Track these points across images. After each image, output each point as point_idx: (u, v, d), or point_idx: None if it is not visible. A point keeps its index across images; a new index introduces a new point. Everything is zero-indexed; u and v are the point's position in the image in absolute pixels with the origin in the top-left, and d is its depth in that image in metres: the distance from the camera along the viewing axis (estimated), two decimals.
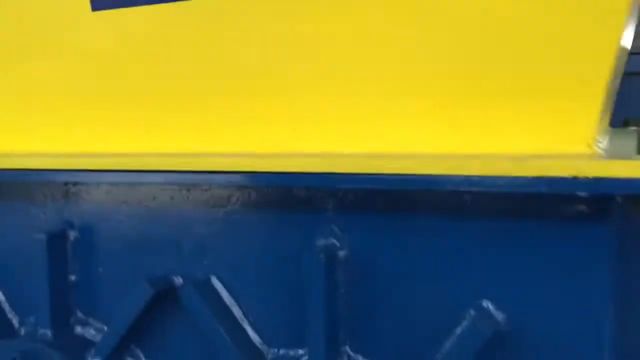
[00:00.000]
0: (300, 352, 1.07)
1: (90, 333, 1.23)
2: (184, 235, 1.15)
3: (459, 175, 0.86)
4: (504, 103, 0.92)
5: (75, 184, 1.23)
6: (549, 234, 0.89)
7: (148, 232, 1.18)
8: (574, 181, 0.78)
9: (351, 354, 1.05)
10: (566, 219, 0.88)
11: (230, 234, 1.12)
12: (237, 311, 1.13)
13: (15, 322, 1.30)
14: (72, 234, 1.25)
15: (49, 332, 1.21)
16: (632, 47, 1.88)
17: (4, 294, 1.33)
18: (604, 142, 0.91)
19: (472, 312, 0.95)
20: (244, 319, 1.12)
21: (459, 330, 0.94)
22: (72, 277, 1.25)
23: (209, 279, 1.14)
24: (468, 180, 0.85)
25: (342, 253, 1.04)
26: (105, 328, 1.20)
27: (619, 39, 0.87)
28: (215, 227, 1.13)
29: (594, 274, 0.88)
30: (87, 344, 1.21)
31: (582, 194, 0.78)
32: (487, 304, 0.95)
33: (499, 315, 0.94)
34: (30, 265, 1.25)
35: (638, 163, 0.78)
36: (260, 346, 1.11)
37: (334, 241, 1.05)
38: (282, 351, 1.10)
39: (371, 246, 1.02)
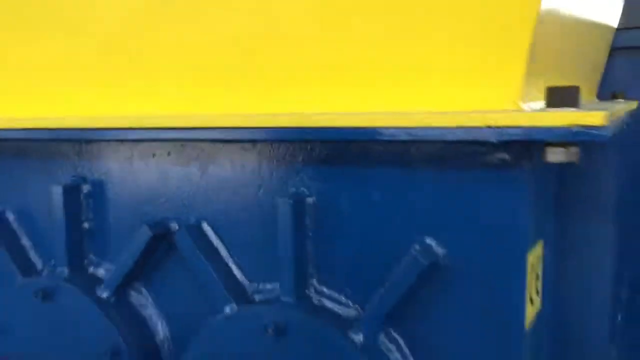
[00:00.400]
0: (276, 285, 1.24)
1: (100, 272, 1.43)
2: (179, 186, 1.33)
3: (399, 127, 1.01)
4: (443, 72, 1.07)
5: (88, 141, 1.42)
6: (479, 178, 1.04)
7: (148, 185, 1.36)
8: (487, 130, 0.93)
9: (317, 286, 1.21)
10: (491, 166, 1.03)
11: (217, 185, 1.29)
12: (223, 252, 1.31)
13: (38, 264, 1.51)
14: (85, 188, 1.44)
15: (65, 271, 1.41)
16: (619, 24, 1.99)
17: (30, 240, 1.53)
18: (530, 101, 1.05)
19: (416, 246, 1.10)
20: (229, 258, 1.30)
21: (404, 262, 1.10)
22: (86, 225, 1.45)
23: (200, 224, 1.32)
24: (406, 131, 1.00)
25: (310, 199, 1.21)
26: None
27: (539, 3, 0.99)
28: (204, 179, 1.30)
29: (515, 213, 1.03)
30: (98, 281, 1.40)
31: (493, 140, 0.92)
32: (430, 241, 1.10)
33: (439, 250, 1.10)
34: (50, 215, 1.44)
35: (544, 114, 0.92)
36: (242, 281, 1.29)
37: (304, 189, 1.21)
38: (260, 285, 1.27)
39: (334, 193, 1.18)
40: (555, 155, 0.95)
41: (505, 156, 1.01)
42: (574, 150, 0.95)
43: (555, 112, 0.92)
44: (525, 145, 0.99)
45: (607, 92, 2.37)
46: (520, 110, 1.01)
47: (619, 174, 1.19)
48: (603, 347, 1.19)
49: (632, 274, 1.34)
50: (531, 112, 0.94)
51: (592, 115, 0.88)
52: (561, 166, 1.22)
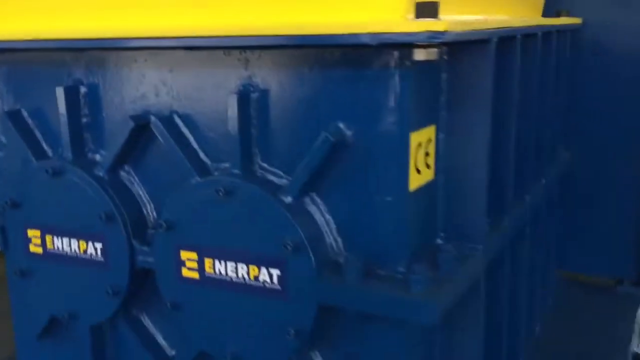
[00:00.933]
0: (229, 164, 1.60)
1: (97, 157, 1.79)
2: (154, 85, 1.67)
3: (314, 35, 1.33)
4: None
5: (84, 50, 1.75)
6: (372, 76, 1.37)
7: (132, 86, 1.71)
8: (367, 35, 1.24)
9: (260, 162, 1.57)
10: (382, 64, 1.35)
11: (185, 85, 1.63)
12: (190, 138, 1.66)
13: (49, 151, 1.88)
14: (83, 89, 1.79)
15: (70, 156, 1.78)
16: None
17: (41, 133, 1.90)
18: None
19: (329, 128, 1.44)
20: (195, 143, 1.65)
21: (319, 140, 1.44)
22: (84, 120, 1.80)
23: (172, 117, 1.67)
24: (318, 38, 1.32)
25: (253, 95, 1.54)
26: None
27: None
28: (175, 81, 1.64)
29: (399, 101, 1.35)
30: (95, 163, 1.78)
31: (373, 43, 1.24)
32: (340, 124, 1.44)
33: (347, 132, 1.43)
34: (56, 112, 1.80)
35: (409, 23, 1.23)
36: (205, 160, 1.65)
37: (249, 87, 1.55)
38: (218, 164, 1.63)
39: (272, 90, 1.52)
40: (420, 54, 1.27)
41: (389, 57, 1.33)
42: (432, 50, 1.26)
43: (417, 22, 1.23)
44: (400, 47, 1.30)
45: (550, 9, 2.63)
46: (396, 21, 1.32)
47: (496, 74, 1.49)
48: (480, 219, 1.54)
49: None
50: (401, 22, 1.25)
51: (438, 24, 1.19)
52: (450, 66, 1.53)
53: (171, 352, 1.83)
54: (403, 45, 1.27)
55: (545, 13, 2.58)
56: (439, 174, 1.55)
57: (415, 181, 1.45)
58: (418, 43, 1.23)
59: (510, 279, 1.93)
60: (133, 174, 1.77)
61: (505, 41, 1.66)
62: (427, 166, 1.51)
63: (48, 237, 1.83)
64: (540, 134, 2.18)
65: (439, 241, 1.60)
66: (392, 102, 1.36)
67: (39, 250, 1.85)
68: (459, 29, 1.26)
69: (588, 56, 2.66)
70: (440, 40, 1.19)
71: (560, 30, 2.43)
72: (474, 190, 1.54)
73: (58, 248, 1.81)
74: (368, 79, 1.38)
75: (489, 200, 1.58)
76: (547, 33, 2.12)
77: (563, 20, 2.54)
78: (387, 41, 1.23)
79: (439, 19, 1.25)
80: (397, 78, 1.33)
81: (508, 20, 1.85)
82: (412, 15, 1.31)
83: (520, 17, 2.22)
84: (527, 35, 1.87)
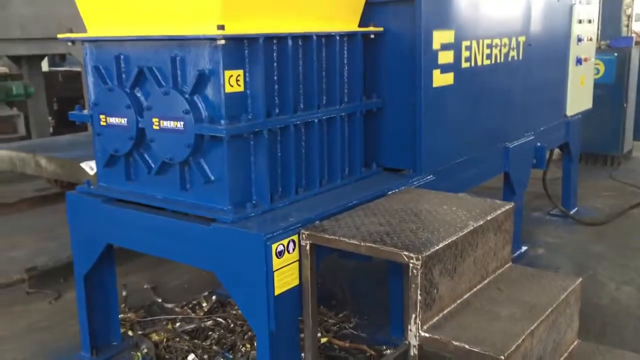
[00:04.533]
0: None
1: None
2: None
3: None
4: None
5: None
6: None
7: None
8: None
9: None
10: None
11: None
12: None
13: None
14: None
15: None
16: None
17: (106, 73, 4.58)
18: None
19: None
20: None
21: None
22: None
23: None
24: None
25: None
26: None
27: None
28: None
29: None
30: None
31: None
32: None
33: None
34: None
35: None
36: None
37: None
38: None
39: None
40: (220, 41, 3.80)
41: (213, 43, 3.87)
42: (221, 42, 3.79)
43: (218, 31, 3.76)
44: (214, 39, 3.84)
45: None
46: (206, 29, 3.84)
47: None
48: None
49: None
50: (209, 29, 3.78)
51: (219, 31, 3.71)
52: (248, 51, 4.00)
53: None
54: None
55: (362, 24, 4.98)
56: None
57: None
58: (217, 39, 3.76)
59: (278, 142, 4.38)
60: None
61: (280, 39, 4.13)
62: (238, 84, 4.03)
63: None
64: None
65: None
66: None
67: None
68: (239, 32, 3.77)
69: (385, 47, 5.07)
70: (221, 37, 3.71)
71: (365, 34, 4.84)
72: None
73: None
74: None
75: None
76: (328, 35, 4.55)
77: (371, 29, 4.96)
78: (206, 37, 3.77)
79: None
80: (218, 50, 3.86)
81: (295, 27, 4.29)
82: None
83: (330, 26, 4.63)
84: (303, 37, 4.32)
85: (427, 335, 3.44)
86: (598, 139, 10.58)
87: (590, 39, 7.94)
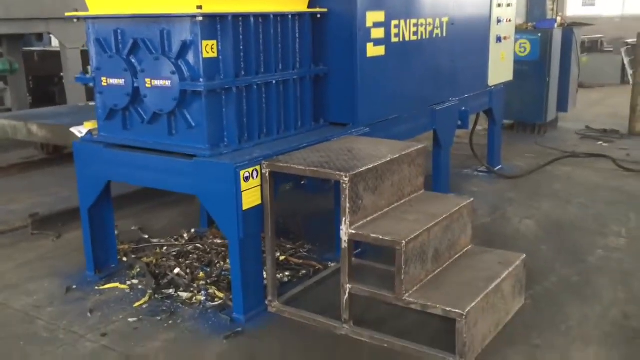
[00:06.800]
0: None
1: None
2: None
3: None
4: None
5: None
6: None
7: None
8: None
9: None
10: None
11: None
12: None
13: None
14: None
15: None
16: None
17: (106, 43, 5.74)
18: None
19: None
20: None
21: None
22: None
23: None
24: None
25: None
26: None
27: None
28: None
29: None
30: None
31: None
32: None
33: None
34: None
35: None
36: None
37: None
38: None
39: None
40: (198, 18, 5.00)
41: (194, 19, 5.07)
42: (199, 18, 5.00)
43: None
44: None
45: None
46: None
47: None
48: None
49: None
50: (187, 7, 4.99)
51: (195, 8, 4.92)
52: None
53: None
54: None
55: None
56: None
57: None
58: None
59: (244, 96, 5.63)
60: None
61: (245, 17, 5.35)
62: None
63: None
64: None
65: None
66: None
67: None
68: (213, 11, 4.98)
69: (329, 24, 6.33)
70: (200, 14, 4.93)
71: (313, 14, 6.09)
72: None
73: None
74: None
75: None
76: (283, 15, 5.79)
77: (317, 9, 6.22)
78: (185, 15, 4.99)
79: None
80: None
81: (255, 6, 5.51)
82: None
83: (285, 8, 5.86)
84: (263, 16, 5.55)
85: (353, 231, 4.77)
86: (525, 109, 12.08)
87: (509, 20, 9.34)
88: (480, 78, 8.93)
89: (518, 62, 11.49)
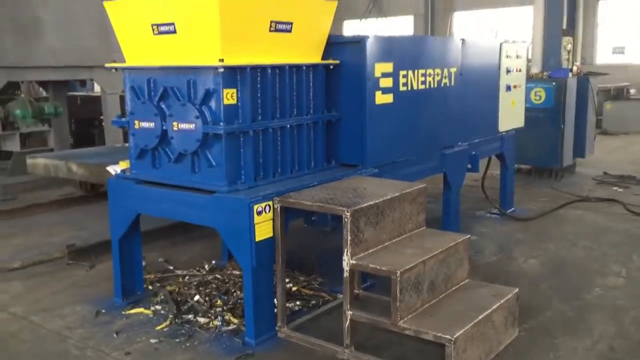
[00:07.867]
0: None
1: None
2: None
3: None
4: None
5: None
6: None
7: None
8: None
9: None
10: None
11: None
12: None
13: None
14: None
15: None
16: None
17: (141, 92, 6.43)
18: None
19: None
20: None
21: None
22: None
23: None
24: None
25: None
26: None
27: None
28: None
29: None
30: None
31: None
32: None
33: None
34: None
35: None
36: None
37: None
38: None
39: None
40: (221, 69, 5.64)
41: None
42: (222, 70, 5.63)
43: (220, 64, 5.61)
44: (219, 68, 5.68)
45: None
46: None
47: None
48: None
49: None
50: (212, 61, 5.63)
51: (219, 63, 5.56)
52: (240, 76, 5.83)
53: None
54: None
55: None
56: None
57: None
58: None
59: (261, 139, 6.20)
60: None
61: (262, 69, 5.98)
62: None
63: None
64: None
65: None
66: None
67: None
68: (233, 63, 5.62)
69: (341, 74, 6.95)
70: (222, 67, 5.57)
71: (326, 65, 6.71)
72: None
73: None
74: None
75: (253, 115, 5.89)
76: (298, 66, 6.40)
77: (330, 61, 6.84)
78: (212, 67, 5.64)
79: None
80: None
81: (271, 60, 6.14)
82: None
83: (300, 59, 6.48)
84: (279, 67, 6.17)
85: (354, 262, 5.23)
86: (541, 155, 12.44)
87: (519, 70, 9.84)
88: (490, 124, 9.40)
89: (534, 109, 11.98)
